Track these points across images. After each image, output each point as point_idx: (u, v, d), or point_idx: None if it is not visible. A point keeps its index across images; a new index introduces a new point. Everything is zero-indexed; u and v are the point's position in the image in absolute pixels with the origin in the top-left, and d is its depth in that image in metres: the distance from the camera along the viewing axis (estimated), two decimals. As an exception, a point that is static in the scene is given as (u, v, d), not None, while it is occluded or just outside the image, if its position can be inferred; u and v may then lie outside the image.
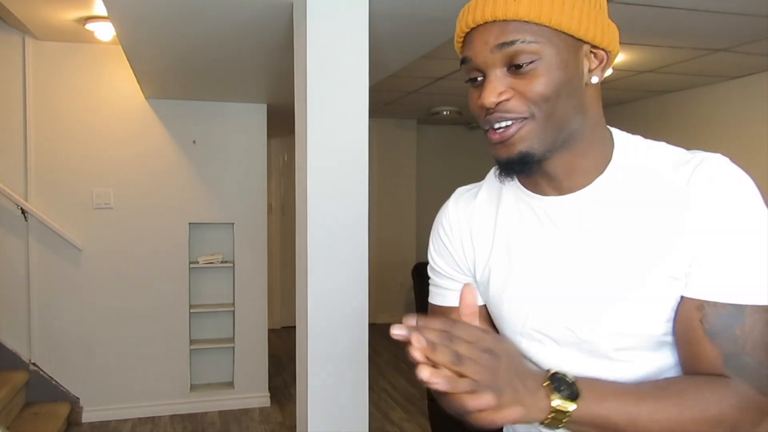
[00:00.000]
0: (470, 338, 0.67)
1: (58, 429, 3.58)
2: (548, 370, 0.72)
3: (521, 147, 0.79)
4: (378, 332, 6.88)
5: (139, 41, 2.73)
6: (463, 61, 0.83)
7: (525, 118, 0.78)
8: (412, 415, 4.06)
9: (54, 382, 3.84)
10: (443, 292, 0.99)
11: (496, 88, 0.78)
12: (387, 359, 5.30)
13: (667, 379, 0.80)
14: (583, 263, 0.83)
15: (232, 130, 4.17)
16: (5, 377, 3.59)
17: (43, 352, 3.83)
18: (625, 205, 0.81)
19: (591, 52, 0.81)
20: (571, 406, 0.70)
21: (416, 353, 0.66)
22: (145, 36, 2.64)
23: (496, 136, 0.81)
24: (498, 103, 0.78)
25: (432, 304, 1.01)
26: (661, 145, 0.84)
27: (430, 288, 1.01)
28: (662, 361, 0.82)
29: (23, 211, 3.71)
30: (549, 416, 0.70)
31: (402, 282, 6.59)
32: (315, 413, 1.92)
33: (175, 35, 2.61)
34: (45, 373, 3.83)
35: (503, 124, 0.79)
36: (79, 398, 3.90)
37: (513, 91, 0.78)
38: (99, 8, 3.00)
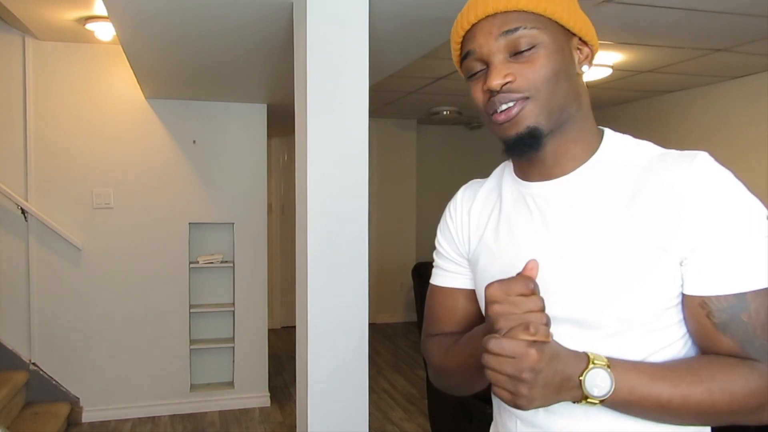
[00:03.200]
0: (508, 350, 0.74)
1: (58, 429, 3.58)
2: (589, 357, 0.77)
3: (528, 122, 0.84)
4: (378, 332, 6.86)
5: (140, 41, 2.73)
6: (467, 55, 0.88)
7: (527, 98, 0.83)
8: (412, 415, 4.06)
9: (54, 382, 3.84)
10: (442, 273, 1.04)
11: (501, 71, 0.83)
12: (387, 359, 5.30)
13: (699, 362, 0.80)
14: (565, 247, 0.85)
15: (232, 130, 4.17)
16: (5, 377, 3.59)
17: (43, 352, 3.83)
18: (608, 193, 0.85)
19: (578, 46, 0.88)
20: (603, 396, 0.76)
21: None
22: (145, 36, 2.64)
23: (501, 117, 0.85)
24: (503, 85, 0.83)
25: (432, 284, 1.05)
26: (647, 143, 0.88)
27: (433, 270, 1.06)
28: (651, 345, 0.83)
29: (23, 211, 3.71)
30: (585, 398, 0.76)
31: (402, 282, 6.59)
32: (315, 413, 1.92)
33: (175, 35, 2.61)
34: (45, 373, 3.83)
35: (507, 105, 0.84)
36: (79, 398, 3.90)
37: (516, 75, 0.83)
38: (99, 8, 3.00)
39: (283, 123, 4.31)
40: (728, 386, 0.76)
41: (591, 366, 0.76)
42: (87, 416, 3.91)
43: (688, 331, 0.83)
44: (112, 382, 3.96)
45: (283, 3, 2.15)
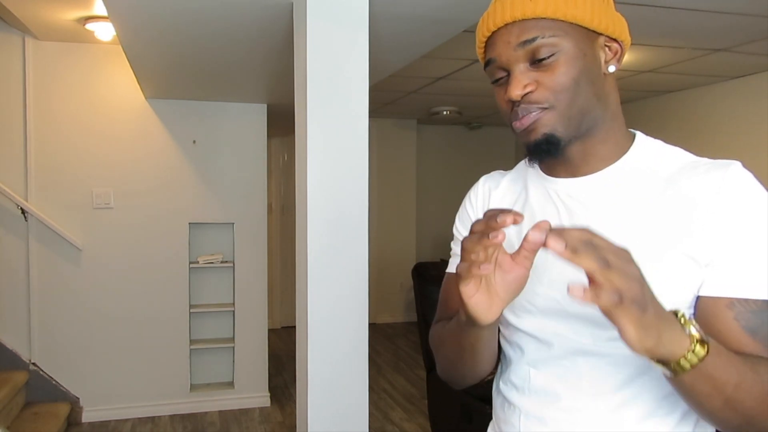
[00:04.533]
0: (613, 249, 0.64)
1: (58, 429, 3.58)
2: (675, 311, 0.70)
3: (544, 130, 0.84)
4: (378, 332, 6.86)
5: (140, 41, 2.73)
6: (488, 63, 0.88)
7: (546, 108, 0.83)
8: (412, 415, 4.06)
9: (54, 382, 3.84)
10: (458, 260, 1.01)
11: (521, 81, 0.83)
12: (387, 359, 5.30)
13: (750, 358, 0.77)
14: None
15: (232, 130, 4.17)
16: (5, 377, 3.59)
17: (43, 352, 3.83)
18: (636, 195, 0.84)
19: (606, 45, 0.86)
20: (702, 352, 0.67)
21: (535, 236, 0.66)
22: (145, 36, 2.64)
23: (518, 124, 0.85)
24: (524, 95, 0.83)
25: (447, 272, 1.06)
26: (679, 149, 0.88)
27: (451, 259, 1.06)
28: None
29: (23, 211, 3.71)
30: (688, 352, 0.67)
31: (402, 282, 6.59)
32: (315, 413, 1.92)
33: (175, 35, 2.61)
34: (45, 373, 3.83)
35: (528, 114, 0.84)
36: (79, 398, 3.90)
37: (536, 83, 0.83)
38: (99, 8, 3.00)
39: (283, 123, 4.31)
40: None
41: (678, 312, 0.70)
42: (87, 416, 3.91)
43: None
44: (112, 382, 3.96)
45: (283, 3, 2.15)
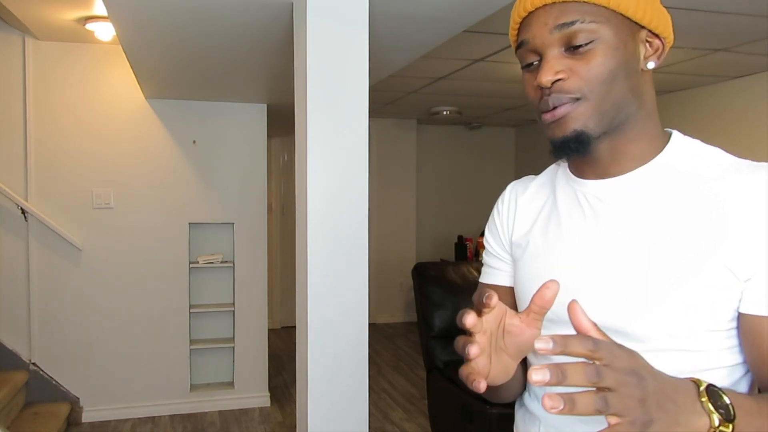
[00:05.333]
0: (617, 359, 0.57)
1: (58, 429, 3.58)
2: (697, 382, 0.63)
3: (575, 125, 0.79)
4: (378, 332, 6.86)
5: (140, 41, 2.73)
6: (521, 45, 0.83)
7: (578, 99, 0.78)
8: (412, 415, 4.06)
9: (54, 382, 3.84)
10: (488, 270, 1.01)
11: (554, 67, 0.78)
12: (387, 359, 5.30)
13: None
14: (614, 251, 0.80)
15: (232, 130, 4.17)
16: (5, 377, 3.59)
17: (43, 352, 3.83)
18: (669, 199, 0.79)
19: (647, 40, 0.81)
20: (728, 429, 0.61)
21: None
22: (145, 36, 2.64)
23: (548, 116, 0.80)
24: (554, 82, 0.78)
25: (481, 283, 1.03)
26: (718, 150, 0.83)
27: (482, 269, 1.03)
28: (693, 365, 0.77)
29: (23, 211, 3.71)
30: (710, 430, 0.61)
31: (402, 282, 6.59)
32: (315, 413, 1.92)
33: (175, 35, 2.61)
34: (45, 373, 3.83)
35: (556, 104, 0.79)
36: (79, 398, 3.90)
37: (570, 72, 0.78)
38: (99, 8, 3.00)
39: (283, 123, 4.31)
40: None
41: (707, 384, 0.64)
42: (87, 416, 3.91)
43: (745, 354, 0.76)
44: (112, 382, 3.96)
45: (283, 3, 2.15)
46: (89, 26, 3.27)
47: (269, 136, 4.44)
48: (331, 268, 1.93)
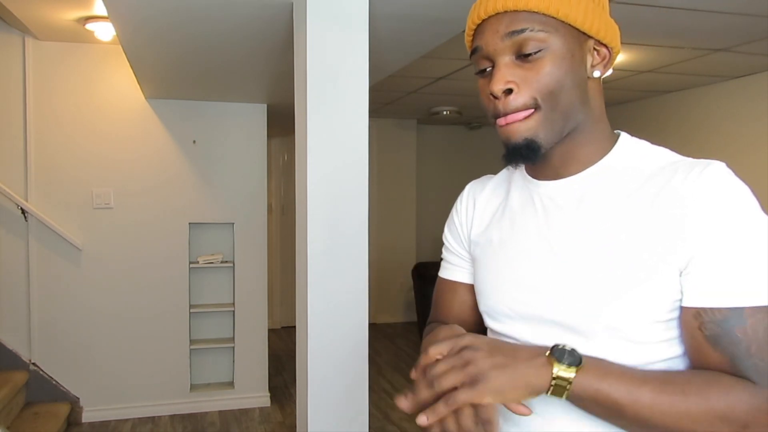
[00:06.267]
0: (444, 349, 0.76)
1: (58, 429, 3.58)
2: (554, 345, 0.75)
3: (526, 134, 0.82)
4: (378, 332, 6.84)
5: (140, 41, 2.73)
6: (474, 51, 0.86)
7: (529, 108, 0.82)
8: (412, 415, 4.05)
9: (54, 382, 3.84)
10: (447, 266, 1.07)
11: (505, 76, 0.82)
12: (387, 359, 5.31)
13: (677, 370, 0.79)
14: (563, 248, 0.84)
15: (232, 130, 4.17)
16: (5, 377, 3.59)
17: (43, 352, 3.83)
18: (613, 197, 0.83)
19: (595, 48, 0.85)
20: (571, 373, 0.72)
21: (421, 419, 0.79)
22: (145, 36, 2.64)
23: (502, 122, 0.84)
24: (505, 91, 0.82)
25: (439, 277, 1.08)
26: (664, 150, 0.86)
27: (441, 263, 1.09)
28: (636, 359, 0.79)
29: (23, 211, 3.71)
30: (552, 383, 0.72)
31: (402, 282, 6.59)
32: (315, 413, 1.92)
33: (175, 35, 2.61)
34: (45, 373, 3.83)
35: (508, 112, 0.82)
36: (79, 398, 3.90)
37: (521, 80, 0.81)
38: (99, 8, 3.00)
39: (283, 123, 4.31)
40: (704, 395, 0.71)
41: (558, 344, 0.75)
42: (87, 416, 3.91)
43: (681, 345, 0.79)
44: (112, 382, 3.96)
45: (283, 3, 2.15)
46: (89, 26, 3.27)
47: (269, 136, 4.44)
48: (331, 268, 1.93)
